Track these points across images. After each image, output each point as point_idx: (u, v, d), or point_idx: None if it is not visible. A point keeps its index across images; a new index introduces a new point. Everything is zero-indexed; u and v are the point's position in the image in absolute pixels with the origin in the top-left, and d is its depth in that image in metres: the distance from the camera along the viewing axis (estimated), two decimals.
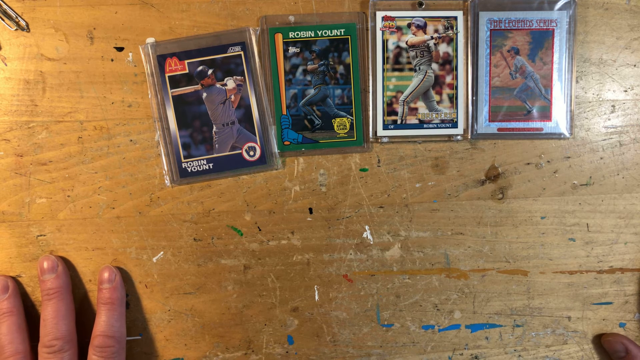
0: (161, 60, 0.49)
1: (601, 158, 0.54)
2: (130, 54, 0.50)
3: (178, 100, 0.50)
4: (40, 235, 0.51)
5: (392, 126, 0.52)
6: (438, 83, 0.52)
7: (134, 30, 0.50)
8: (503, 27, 0.52)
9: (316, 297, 0.54)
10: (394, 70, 0.51)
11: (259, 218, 0.52)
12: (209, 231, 0.52)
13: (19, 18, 0.48)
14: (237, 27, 0.50)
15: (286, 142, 0.52)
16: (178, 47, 0.50)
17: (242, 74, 0.50)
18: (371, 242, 0.54)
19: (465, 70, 0.52)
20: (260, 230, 0.53)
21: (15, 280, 0.50)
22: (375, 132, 0.52)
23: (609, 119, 0.54)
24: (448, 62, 0.52)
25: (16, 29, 0.49)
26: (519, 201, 0.54)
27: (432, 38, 0.51)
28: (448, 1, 0.51)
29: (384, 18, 0.51)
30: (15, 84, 0.49)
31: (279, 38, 0.50)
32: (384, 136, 0.52)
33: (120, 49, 0.50)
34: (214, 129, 0.51)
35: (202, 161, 0.51)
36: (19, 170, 0.50)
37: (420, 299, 0.55)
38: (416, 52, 0.51)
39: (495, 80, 0.52)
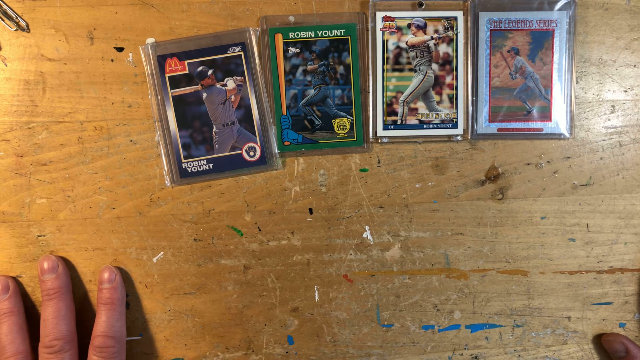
0: (161, 60, 0.49)
1: (601, 158, 0.54)
2: (130, 54, 0.50)
3: (178, 101, 0.50)
4: (41, 236, 0.51)
5: (392, 126, 0.52)
6: (438, 83, 0.52)
7: (134, 30, 0.50)
8: (503, 28, 0.52)
9: (316, 297, 0.54)
10: (394, 70, 0.51)
11: (259, 218, 0.52)
12: (209, 231, 0.52)
13: (19, 18, 0.48)
14: (237, 28, 0.50)
15: (286, 143, 0.52)
16: (178, 48, 0.50)
17: (242, 74, 0.50)
18: (371, 243, 0.54)
19: (465, 71, 0.52)
20: (260, 230, 0.53)
21: (15, 280, 0.50)
22: (375, 133, 0.52)
23: (609, 119, 0.54)
24: (448, 63, 0.52)
25: (16, 29, 0.49)
26: (519, 201, 0.54)
27: (432, 38, 0.51)
28: (448, 1, 0.51)
29: (384, 18, 0.51)
30: (15, 85, 0.49)
31: (279, 38, 0.50)
32: (384, 136, 0.52)
33: (120, 49, 0.50)
34: (214, 129, 0.51)
35: (202, 161, 0.51)
36: (19, 171, 0.50)
37: (420, 299, 0.55)
38: (416, 53, 0.51)
39: (495, 81, 0.52)
